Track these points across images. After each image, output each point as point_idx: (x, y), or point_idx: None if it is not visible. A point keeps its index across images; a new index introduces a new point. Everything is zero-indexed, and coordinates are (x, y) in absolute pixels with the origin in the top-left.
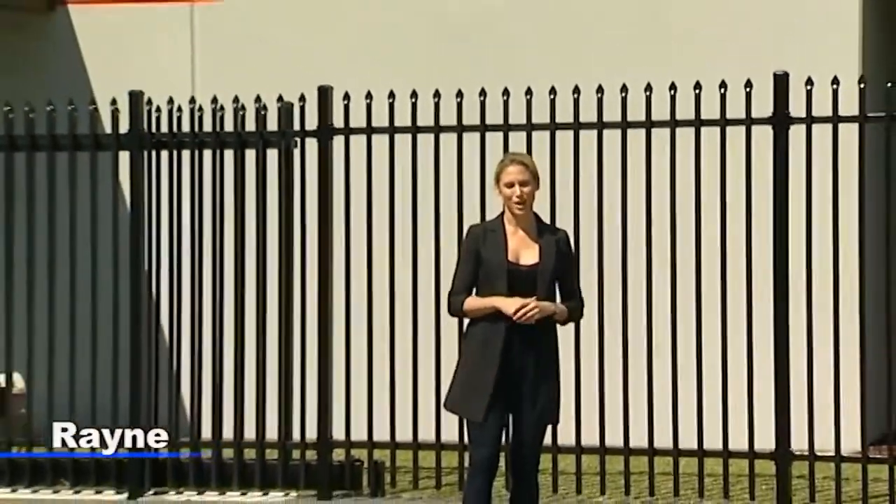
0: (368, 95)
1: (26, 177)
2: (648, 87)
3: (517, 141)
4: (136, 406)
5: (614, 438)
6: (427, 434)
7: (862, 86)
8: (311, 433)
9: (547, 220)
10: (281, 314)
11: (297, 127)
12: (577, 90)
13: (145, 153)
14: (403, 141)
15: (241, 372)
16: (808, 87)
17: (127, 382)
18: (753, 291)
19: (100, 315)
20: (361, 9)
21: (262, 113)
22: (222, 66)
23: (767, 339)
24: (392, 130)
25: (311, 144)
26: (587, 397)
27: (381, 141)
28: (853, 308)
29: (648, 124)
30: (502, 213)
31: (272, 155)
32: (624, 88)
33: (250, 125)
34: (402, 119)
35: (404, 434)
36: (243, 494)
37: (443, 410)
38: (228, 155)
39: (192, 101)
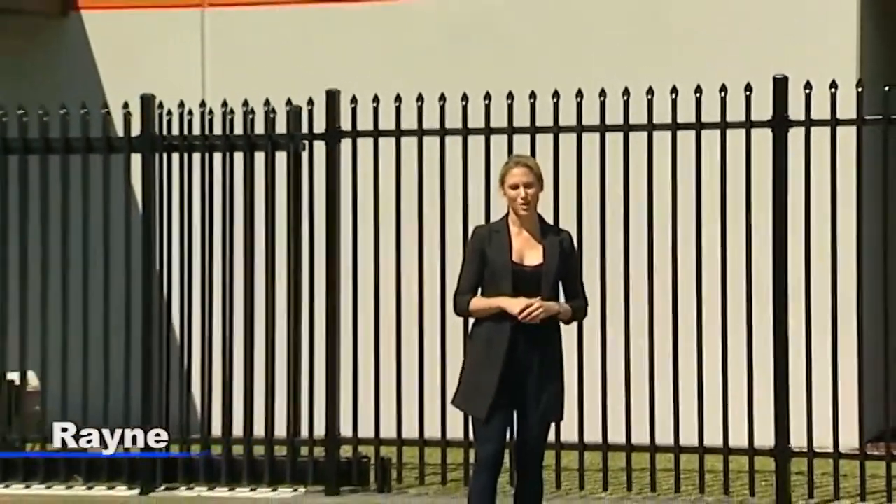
0: (375, 99)
1: (40, 179)
2: (650, 91)
3: (521, 143)
4: (147, 404)
5: (616, 435)
6: (433, 431)
7: (860, 89)
8: (319, 430)
9: (551, 221)
10: (289, 314)
11: (305, 130)
12: (579, 94)
13: (157, 155)
14: (409, 143)
15: (251, 370)
16: (807, 91)
17: (139, 381)
18: (753, 291)
19: (112, 315)
20: (368, 14)
21: (271, 116)
22: (232, 70)
23: (767, 339)
24: (398, 133)
25: (319, 147)
26: (590, 395)
27: (387, 143)
28: (851, 308)
29: (650, 127)
30: (507, 215)
31: (281, 157)
32: (626, 92)
33: (259, 128)
34: (409, 122)
35: (410, 431)
36: (252, 490)
37: (448, 408)
38: (238, 157)
39: (203, 104)
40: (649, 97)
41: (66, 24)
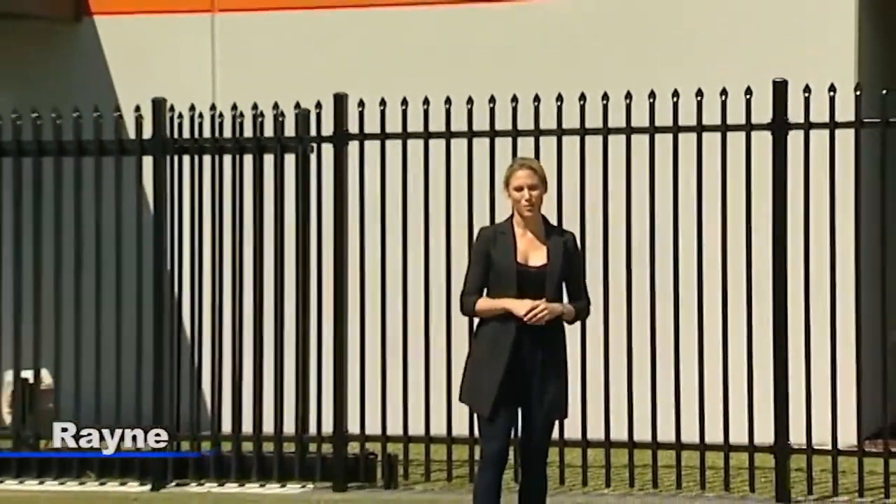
0: (382, 102)
1: (54, 181)
2: (652, 94)
3: (525, 146)
4: (158, 402)
5: (619, 433)
6: (439, 428)
7: (858, 93)
8: (327, 427)
9: (554, 222)
10: (298, 313)
11: (313, 132)
12: (582, 97)
13: (168, 158)
14: (416, 146)
15: (260, 369)
16: (806, 94)
17: (150, 379)
18: (753, 291)
19: (124, 314)
20: (374, 19)
21: (280, 119)
22: (242, 73)
23: (767, 338)
24: (405, 136)
25: (327, 149)
26: (593, 394)
27: (394, 146)
28: (849, 307)
29: (652, 130)
30: (511, 216)
31: (290, 159)
32: (628, 95)
33: (268, 131)
34: (415, 125)
35: (417, 428)
36: (262, 486)
37: (454, 406)
38: (248, 159)
39: (213, 107)
40: (651, 101)
41: (79, 30)
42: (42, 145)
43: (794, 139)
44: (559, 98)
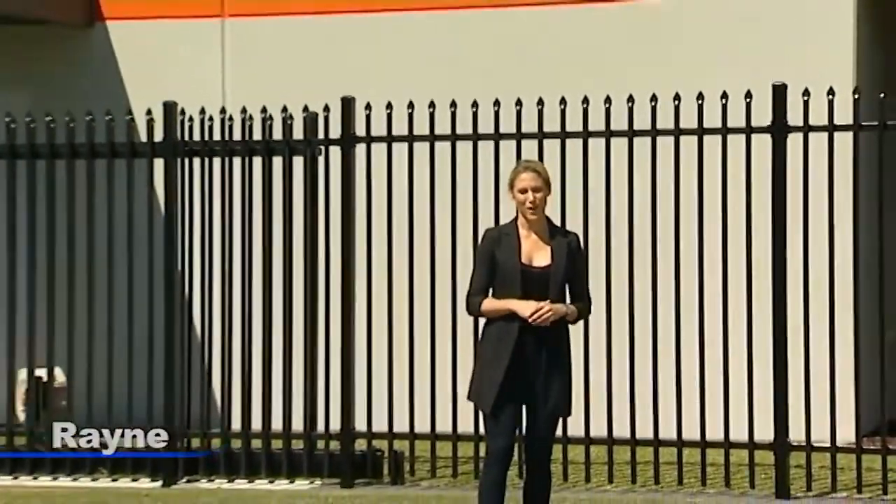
0: (389, 105)
1: (67, 182)
2: (654, 98)
3: (529, 148)
4: (170, 399)
5: (621, 430)
6: (444, 425)
7: (856, 96)
8: (335, 425)
9: (558, 223)
10: (306, 313)
11: (321, 135)
12: (585, 100)
13: (179, 160)
14: (422, 148)
15: (269, 367)
16: (805, 98)
17: (161, 377)
18: (753, 291)
19: (135, 313)
20: (381, 25)
21: (289, 122)
22: (251, 78)
23: (766, 337)
24: (411, 139)
25: (335, 152)
26: (596, 391)
27: (400, 148)
28: (848, 307)
29: (654, 133)
30: (516, 218)
31: (298, 161)
32: (630, 99)
33: (277, 134)
34: (421, 128)
35: (423, 425)
36: (271, 482)
37: (459, 403)
38: (257, 162)
39: (223, 111)
40: (653, 104)
41: (92, 35)
42: (55, 148)
43: (794, 142)
44: (562, 101)
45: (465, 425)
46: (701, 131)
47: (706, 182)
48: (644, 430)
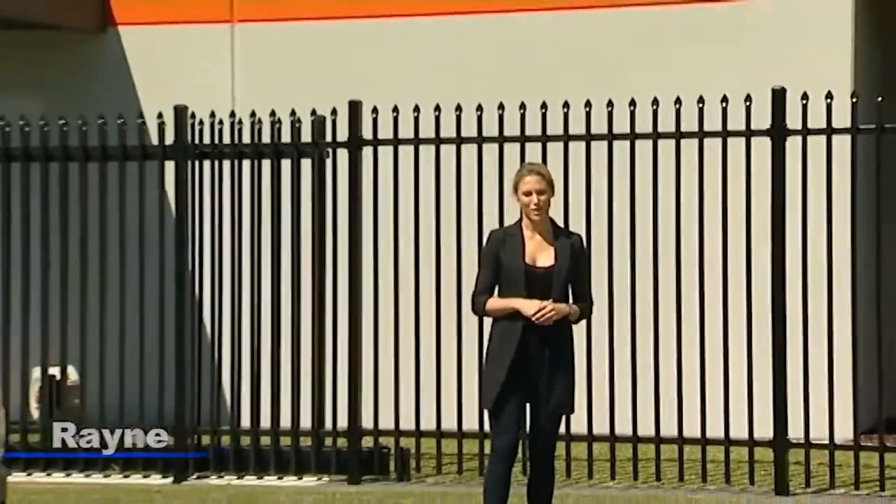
0: (395, 109)
1: (79, 184)
2: (655, 101)
3: (533, 151)
4: (180, 397)
5: (623, 427)
6: (450, 423)
7: (854, 100)
8: (342, 422)
9: (561, 224)
10: (314, 312)
11: (329, 138)
12: (588, 104)
13: (189, 163)
14: (428, 151)
15: (278, 366)
16: (804, 102)
17: (172, 376)
18: (753, 291)
19: (146, 313)
20: (388, 30)
21: (297, 126)
22: (260, 82)
23: (766, 336)
24: (417, 142)
25: (342, 154)
26: (598, 390)
27: (406, 151)
28: (846, 307)
29: (655, 136)
30: (521, 219)
31: (306, 164)
32: (632, 102)
33: (286, 137)
34: (427, 131)
35: (429, 423)
36: (279, 479)
37: (464, 401)
38: (265, 164)
39: (233, 114)
40: (654, 108)
41: (104, 40)
42: (68, 151)
43: (793, 145)
44: (565, 105)
45: (471, 423)
46: (701, 134)
47: (706, 184)
48: (646, 428)
